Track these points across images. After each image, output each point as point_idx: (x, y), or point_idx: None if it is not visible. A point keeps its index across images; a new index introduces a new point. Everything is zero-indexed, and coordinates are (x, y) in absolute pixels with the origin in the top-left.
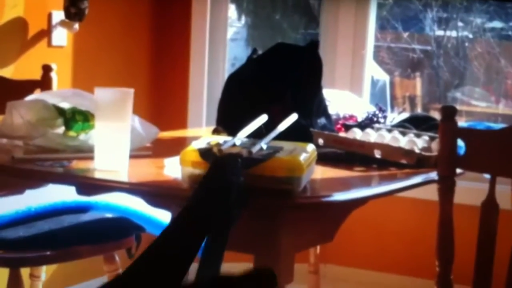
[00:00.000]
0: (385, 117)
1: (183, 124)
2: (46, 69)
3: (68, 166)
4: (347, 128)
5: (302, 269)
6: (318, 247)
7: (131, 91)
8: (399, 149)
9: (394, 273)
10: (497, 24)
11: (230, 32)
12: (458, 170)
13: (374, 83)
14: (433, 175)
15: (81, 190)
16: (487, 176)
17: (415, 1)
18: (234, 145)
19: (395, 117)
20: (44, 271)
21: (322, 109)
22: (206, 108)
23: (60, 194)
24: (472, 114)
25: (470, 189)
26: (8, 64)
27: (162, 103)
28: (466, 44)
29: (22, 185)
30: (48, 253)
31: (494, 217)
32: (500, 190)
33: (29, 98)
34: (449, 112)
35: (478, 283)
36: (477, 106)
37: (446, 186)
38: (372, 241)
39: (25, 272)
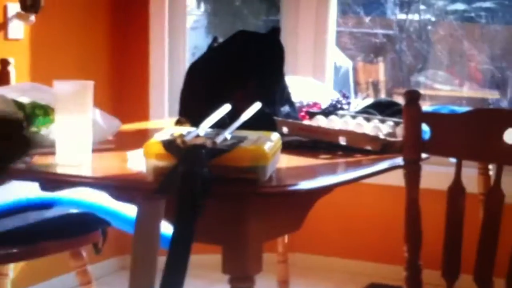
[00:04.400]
0: (349, 104)
1: (145, 116)
2: (3, 63)
3: (30, 162)
4: (311, 115)
5: (271, 258)
6: (286, 236)
7: (91, 83)
8: (364, 136)
9: (362, 259)
10: (459, 6)
11: (190, 21)
12: (424, 155)
13: (337, 69)
14: (399, 160)
15: (44, 186)
16: (453, 160)
17: None
18: (197, 135)
19: (359, 103)
20: (12, 269)
21: (285, 96)
22: (168, 99)
23: (23, 190)
24: (436, 98)
25: (436, 173)
26: None
27: (123, 95)
28: (429, 27)
29: None
30: (14, 250)
31: (461, 201)
32: (466, 173)
33: None
34: (413, 97)
35: (446, 268)
36: (441, 90)
37: (412, 171)
38: (340, 228)
39: None
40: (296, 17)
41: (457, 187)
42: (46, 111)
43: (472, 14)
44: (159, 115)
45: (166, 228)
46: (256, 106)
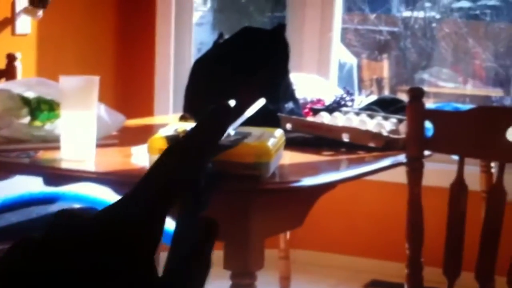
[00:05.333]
0: (352, 100)
1: (149, 112)
2: (10, 58)
3: (35, 156)
4: (315, 112)
5: (273, 255)
6: (288, 233)
7: (97, 78)
8: (367, 133)
9: (364, 256)
10: (464, 3)
11: (196, 16)
12: (426, 152)
13: (341, 66)
14: (402, 157)
15: (48, 181)
16: (456, 157)
17: None
18: None
19: (362, 100)
20: None
21: (289, 93)
22: (173, 94)
23: (27, 185)
24: (439, 96)
25: (438, 171)
26: None
27: (128, 90)
28: (434, 24)
29: None
30: None
31: (463, 199)
32: (468, 171)
33: None
34: (417, 94)
35: (448, 265)
36: (444, 87)
37: (415, 168)
38: (342, 225)
39: None
40: (301, 14)
41: (459, 185)
42: (51, 106)
43: (477, 12)
44: (163, 110)
45: (169, 224)
46: (260, 102)
